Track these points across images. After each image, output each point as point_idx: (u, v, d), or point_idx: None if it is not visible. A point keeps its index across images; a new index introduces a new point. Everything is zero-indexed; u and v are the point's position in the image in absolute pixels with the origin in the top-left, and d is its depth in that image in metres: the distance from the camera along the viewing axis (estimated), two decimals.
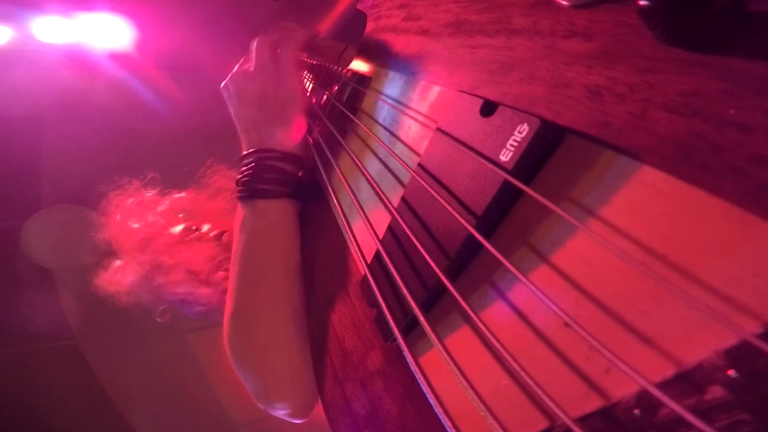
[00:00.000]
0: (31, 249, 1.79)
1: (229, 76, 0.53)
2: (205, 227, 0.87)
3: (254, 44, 0.51)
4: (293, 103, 0.48)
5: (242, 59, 0.54)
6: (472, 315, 0.19)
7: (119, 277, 0.83)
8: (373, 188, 0.32)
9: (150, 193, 0.96)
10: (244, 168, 0.48)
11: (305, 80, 0.70)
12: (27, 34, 1.83)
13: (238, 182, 0.49)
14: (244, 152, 0.50)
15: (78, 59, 1.95)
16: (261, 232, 0.46)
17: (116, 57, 2.00)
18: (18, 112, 1.83)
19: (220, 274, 0.79)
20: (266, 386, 0.44)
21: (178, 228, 0.87)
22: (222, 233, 0.85)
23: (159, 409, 1.94)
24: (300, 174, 0.50)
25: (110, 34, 1.95)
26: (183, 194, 0.96)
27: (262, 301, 0.44)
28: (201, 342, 1.99)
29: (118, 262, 0.85)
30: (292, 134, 0.49)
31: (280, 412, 0.45)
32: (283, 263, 0.45)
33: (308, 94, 0.66)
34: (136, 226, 0.87)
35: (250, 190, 0.47)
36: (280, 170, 0.48)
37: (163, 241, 0.84)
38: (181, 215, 0.91)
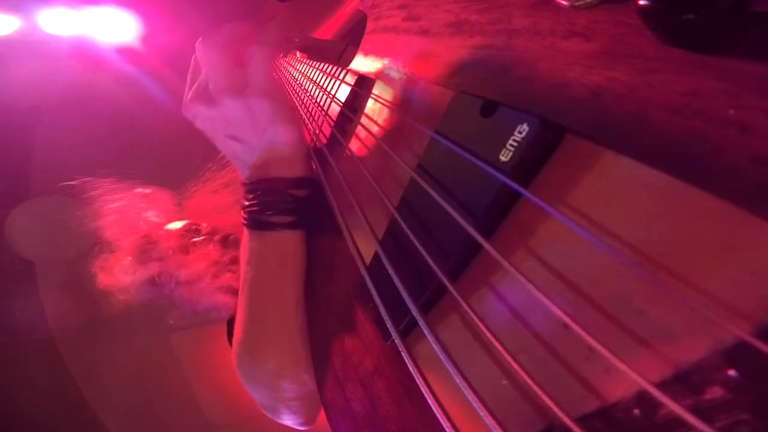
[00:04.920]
0: (15, 239, 1.77)
1: (187, 96, 0.44)
2: (204, 225, 0.88)
3: (208, 51, 0.41)
4: (283, 118, 0.42)
5: (192, 68, 0.46)
6: (472, 315, 0.19)
7: (124, 276, 0.84)
8: (373, 188, 0.32)
9: (148, 190, 0.96)
10: (251, 196, 0.43)
11: (295, 82, 0.69)
12: (33, 25, 1.83)
13: (244, 209, 0.44)
14: (248, 182, 0.44)
15: (84, 52, 1.95)
16: (270, 266, 0.44)
17: (122, 51, 2.00)
18: (20, 103, 1.82)
19: (227, 275, 0.80)
20: (275, 404, 0.46)
21: (178, 224, 0.87)
22: (227, 236, 0.86)
23: (135, 409, 1.91)
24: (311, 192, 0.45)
25: (117, 28, 1.95)
26: (182, 190, 0.97)
27: (272, 332, 0.44)
28: (183, 342, 1.96)
29: (128, 259, 0.85)
30: (295, 155, 0.43)
31: (288, 422, 0.48)
32: (293, 296, 0.43)
33: (293, 98, 0.64)
34: (138, 223, 0.88)
35: (257, 222, 0.43)
36: (291, 198, 0.43)
37: (168, 244, 0.84)
38: (181, 212, 0.92)
